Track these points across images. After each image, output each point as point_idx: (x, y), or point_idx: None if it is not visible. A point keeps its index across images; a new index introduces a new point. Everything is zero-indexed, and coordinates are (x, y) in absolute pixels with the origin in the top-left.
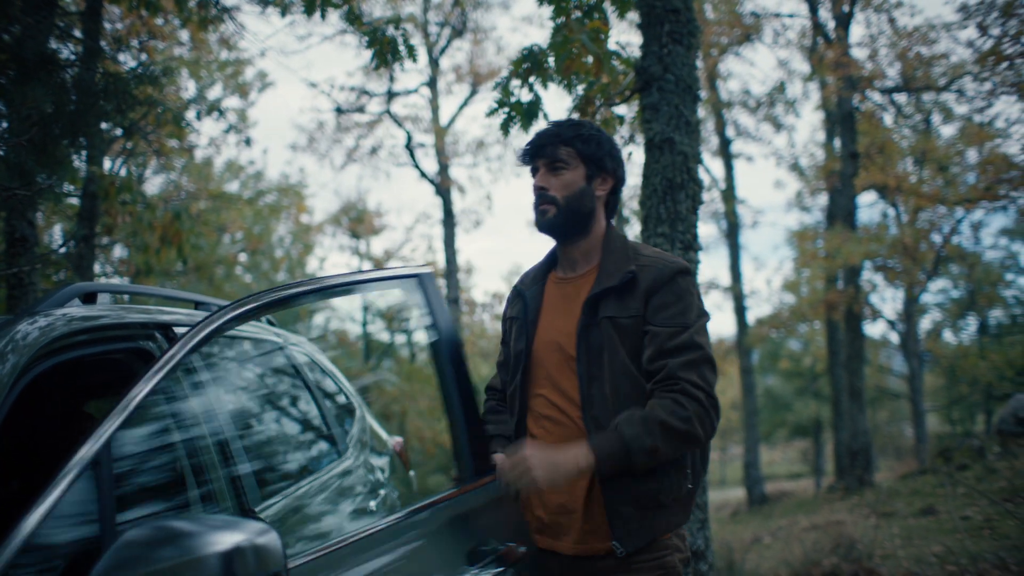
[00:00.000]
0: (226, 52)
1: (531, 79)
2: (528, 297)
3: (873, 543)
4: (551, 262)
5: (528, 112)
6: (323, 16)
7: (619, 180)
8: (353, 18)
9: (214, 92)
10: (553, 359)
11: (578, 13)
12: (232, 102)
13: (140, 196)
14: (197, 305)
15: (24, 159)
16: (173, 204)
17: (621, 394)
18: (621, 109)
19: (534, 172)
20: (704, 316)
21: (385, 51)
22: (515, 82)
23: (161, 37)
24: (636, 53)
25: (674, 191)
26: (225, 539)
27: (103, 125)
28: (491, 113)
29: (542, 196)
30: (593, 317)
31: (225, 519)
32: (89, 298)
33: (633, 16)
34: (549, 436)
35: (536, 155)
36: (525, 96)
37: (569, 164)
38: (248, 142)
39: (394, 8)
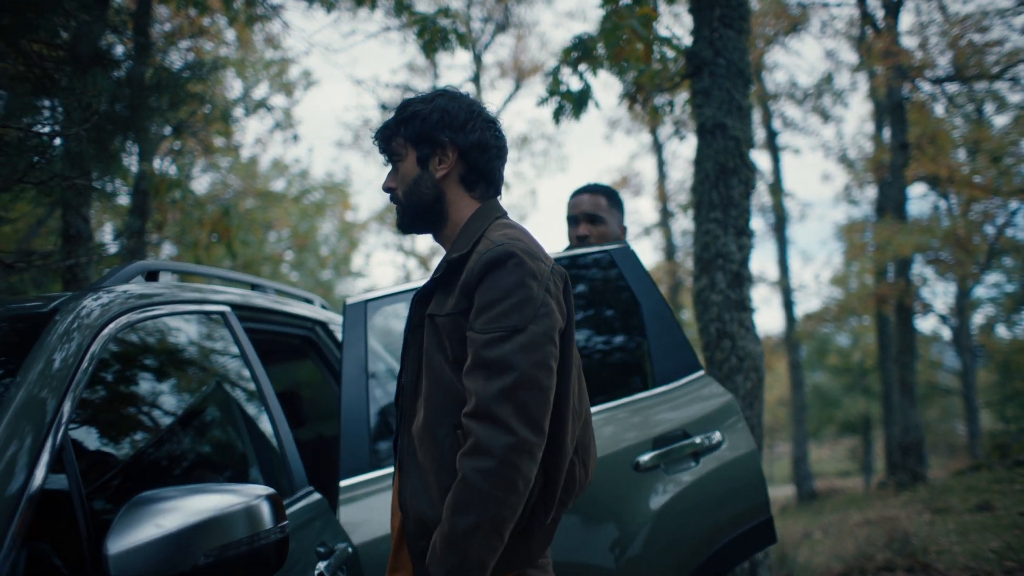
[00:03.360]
0: (271, 51)
1: (581, 67)
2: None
3: (928, 538)
4: None
5: (579, 100)
6: (372, 7)
7: (465, 147)
8: (401, 8)
9: (260, 91)
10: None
11: (627, 0)
12: (277, 100)
13: (189, 193)
14: (254, 287)
15: (84, 149)
16: (222, 201)
17: (432, 407)
18: (668, 96)
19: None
20: (545, 319)
21: (435, 40)
22: (565, 71)
23: (208, 36)
24: (686, 40)
25: (727, 176)
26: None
27: (154, 122)
28: (542, 103)
29: (391, 196)
30: (419, 316)
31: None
32: (151, 276)
33: (682, 2)
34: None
35: (382, 151)
36: (575, 85)
37: (403, 154)
38: (296, 138)
39: (437, 2)
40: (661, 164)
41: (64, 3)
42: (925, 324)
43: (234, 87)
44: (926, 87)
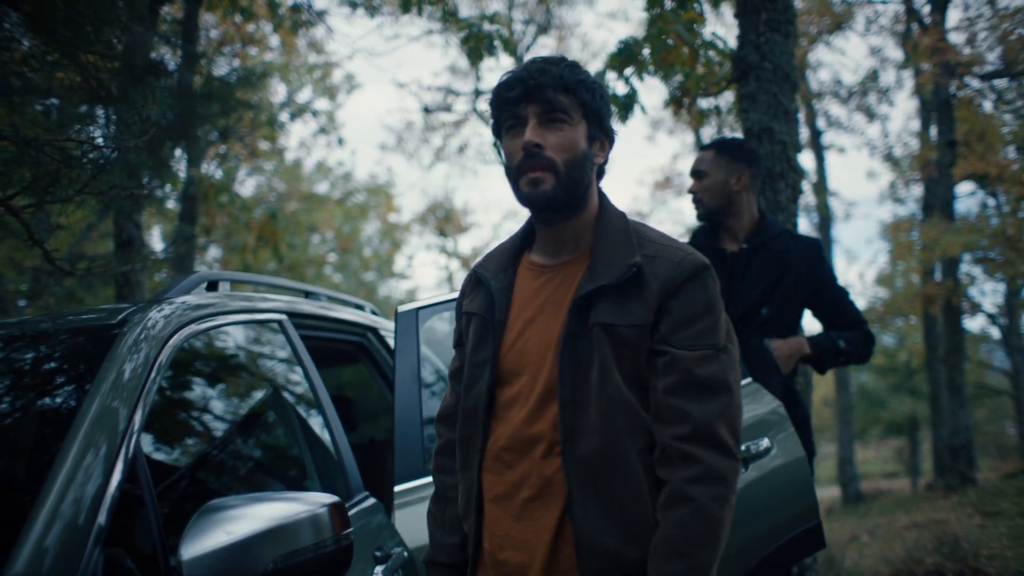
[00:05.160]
0: (314, 55)
1: (627, 72)
2: (495, 289)
3: (978, 542)
4: (524, 241)
5: (625, 105)
6: (420, 12)
7: (613, 145)
8: (448, 15)
9: (304, 95)
10: (527, 376)
11: (671, 3)
12: (321, 104)
13: (237, 197)
14: (307, 294)
15: (143, 160)
16: (269, 205)
17: (612, 430)
18: (714, 100)
19: (513, 123)
20: (734, 337)
21: (480, 47)
22: (611, 76)
23: (253, 43)
24: (731, 43)
25: (774, 180)
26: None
27: (204, 130)
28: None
29: (536, 158)
30: (582, 323)
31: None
32: (211, 287)
33: (727, 6)
34: (500, 480)
35: (527, 97)
36: (621, 89)
37: (571, 117)
38: (341, 142)
39: (480, 7)
40: None
41: (119, 14)
42: (973, 324)
43: (279, 91)
44: (974, 83)
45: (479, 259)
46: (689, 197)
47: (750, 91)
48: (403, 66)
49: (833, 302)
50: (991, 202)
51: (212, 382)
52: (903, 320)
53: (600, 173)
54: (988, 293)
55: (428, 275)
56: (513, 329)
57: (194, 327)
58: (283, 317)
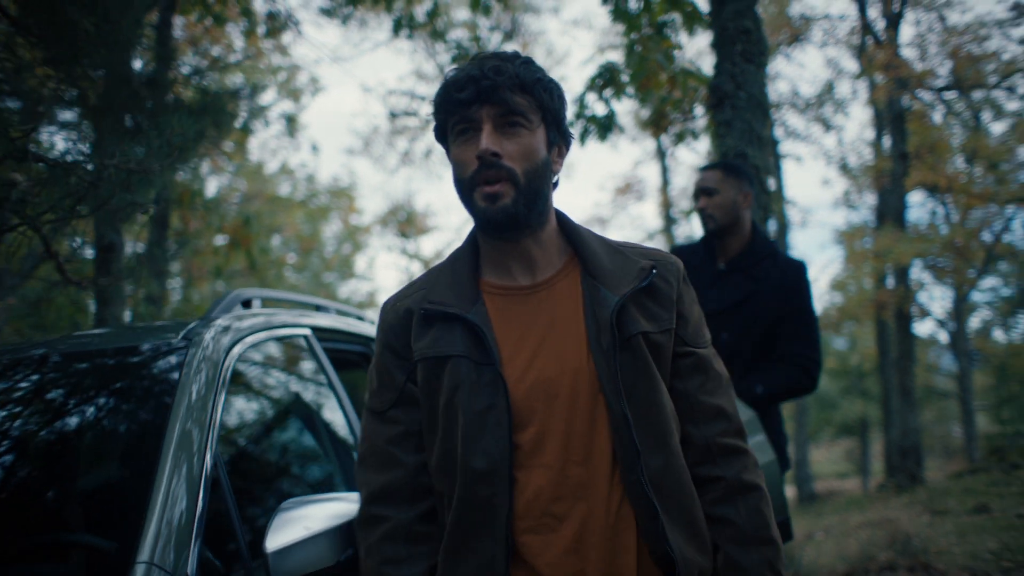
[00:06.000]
0: (279, 57)
1: (606, 93)
2: (477, 323)
3: (928, 539)
4: (473, 267)
5: (604, 125)
6: (410, 36)
7: (568, 150)
8: (437, 35)
9: (268, 97)
10: (553, 411)
11: (649, 30)
12: (286, 106)
13: (213, 202)
14: (317, 308)
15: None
16: (242, 211)
17: (670, 440)
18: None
19: (464, 128)
20: None
21: None
22: (590, 96)
23: (220, 43)
24: (706, 68)
25: None
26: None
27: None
28: (568, 125)
29: (494, 168)
30: (620, 336)
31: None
32: (246, 304)
33: (703, 33)
34: (554, 539)
35: (480, 99)
36: (600, 110)
37: (530, 121)
38: (315, 149)
39: (446, 15)
40: (664, 170)
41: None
42: (922, 328)
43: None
44: (926, 96)
45: (410, 292)
46: (650, 206)
47: (726, 118)
48: (368, 69)
49: (792, 332)
50: (941, 210)
51: (262, 394)
52: (856, 325)
53: (555, 183)
54: (937, 298)
55: (389, 277)
56: (515, 363)
57: (244, 344)
58: (308, 331)
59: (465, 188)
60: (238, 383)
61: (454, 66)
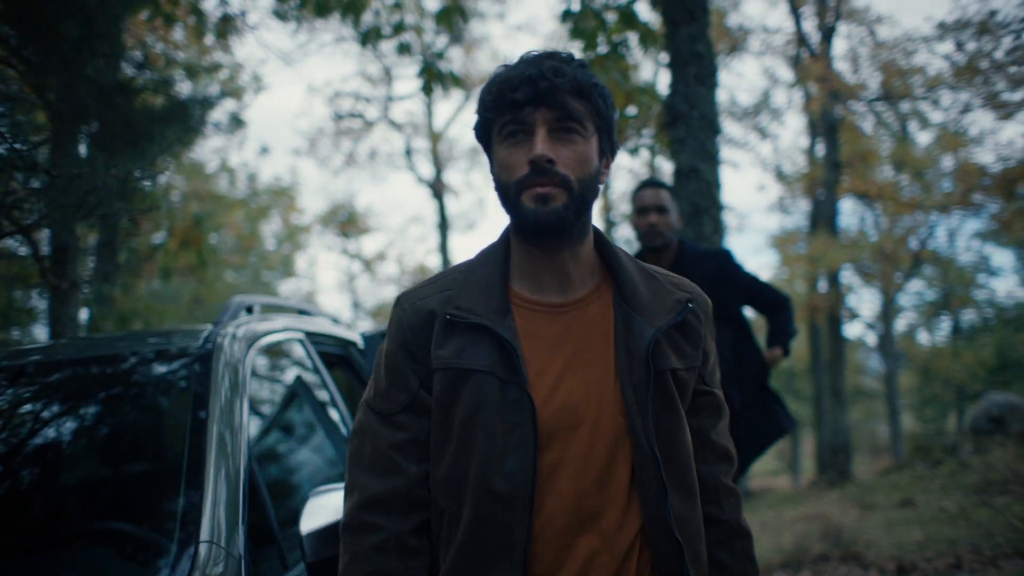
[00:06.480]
0: (221, 54)
1: None
2: (507, 338)
3: (858, 532)
4: (504, 274)
5: None
6: (375, 48)
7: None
8: (403, 48)
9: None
10: (574, 437)
11: (605, 48)
12: (228, 105)
13: (164, 201)
14: (301, 312)
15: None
16: (194, 212)
17: (691, 481)
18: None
19: (514, 130)
20: None
21: (433, 80)
22: None
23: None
24: (659, 86)
25: (699, 215)
26: None
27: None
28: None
29: (547, 174)
30: (648, 369)
31: None
32: (248, 309)
33: (655, 54)
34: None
35: (537, 101)
36: None
37: (586, 128)
38: (264, 150)
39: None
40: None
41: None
42: (852, 330)
43: (183, 90)
44: (857, 107)
45: (434, 291)
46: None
47: (679, 136)
48: (315, 70)
49: (757, 294)
50: (869, 218)
51: (275, 393)
52: None
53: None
54: (865, 300)
55: (328, 277)
56: (542, 384)
57: (256, 348)
58: (303, 335)
59: (511, 191)
60: (255, 384)
61: (502, 64)
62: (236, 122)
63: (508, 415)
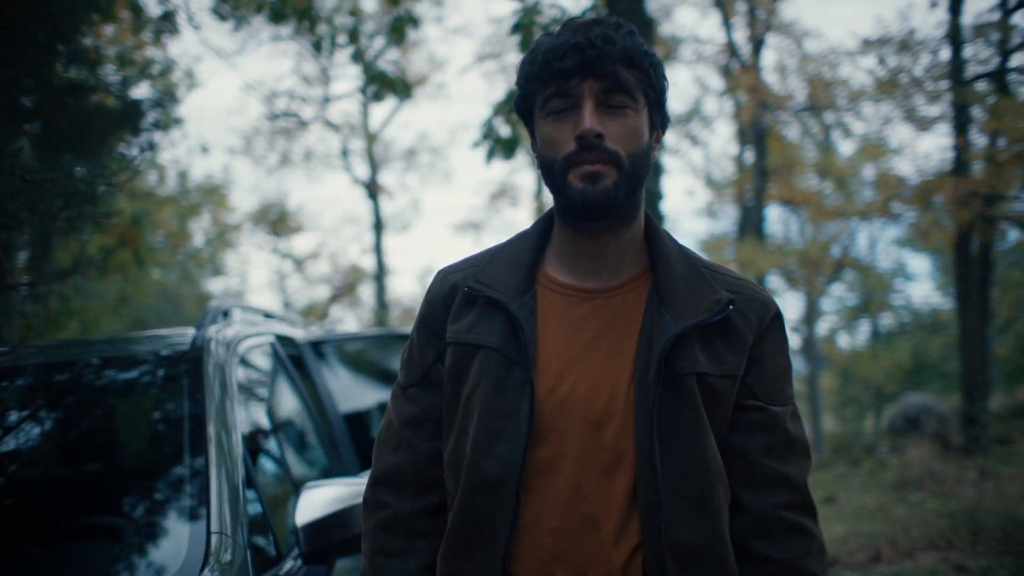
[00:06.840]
0: (153, 50)
1: (512, 118)
2: (519, 316)
3: None
4: (538, 252)
5: (508, 146)
6: (331, 53)
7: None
8: (358, 55)
9: (141, 91)
10: (576, 433)
11: None
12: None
13: (103, 201)
14: (266, 316)
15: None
16: (131, 210)
17: (712, 503)
18: None
19: (559, 103)
20: None
21: (384, 88)
22: (497, 120)
23: (99, 38)
24: None
25: None
26: None
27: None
28: (476, 146)
29: (596, 150)
30: (670, 371)
31: None
32: (225, 313)
33: None
34: None
35: (585, 70)
36: (505, 132)
37: (636, 101)
38: (204, 150)
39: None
40: (539, 178)
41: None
42: None
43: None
44: (784, 116)
45: (464, 267)
46: (524, 212)
47: None
48: (251, 68)
49: None
50: (795, 224)
51: (259, 391)
52: None
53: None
54: (790, 305)
55: (259, 276)
56: (548, 371)
57: (239, 350)
58: (273, 337)
59: (557, 169)
60: (241, 385)
61: (545, 32)
62: (172, 120)
63: (508, 397)
